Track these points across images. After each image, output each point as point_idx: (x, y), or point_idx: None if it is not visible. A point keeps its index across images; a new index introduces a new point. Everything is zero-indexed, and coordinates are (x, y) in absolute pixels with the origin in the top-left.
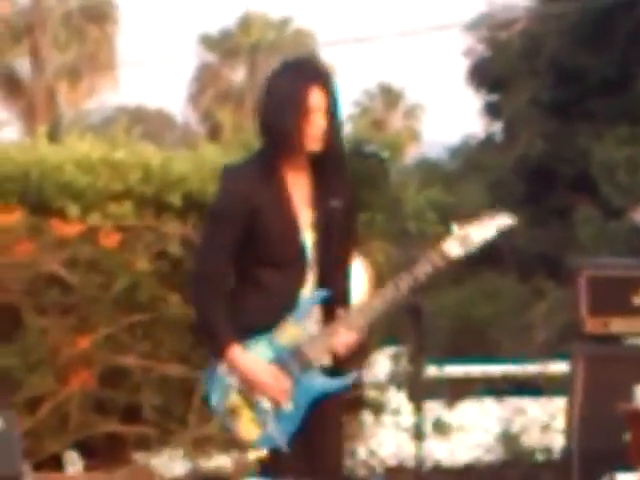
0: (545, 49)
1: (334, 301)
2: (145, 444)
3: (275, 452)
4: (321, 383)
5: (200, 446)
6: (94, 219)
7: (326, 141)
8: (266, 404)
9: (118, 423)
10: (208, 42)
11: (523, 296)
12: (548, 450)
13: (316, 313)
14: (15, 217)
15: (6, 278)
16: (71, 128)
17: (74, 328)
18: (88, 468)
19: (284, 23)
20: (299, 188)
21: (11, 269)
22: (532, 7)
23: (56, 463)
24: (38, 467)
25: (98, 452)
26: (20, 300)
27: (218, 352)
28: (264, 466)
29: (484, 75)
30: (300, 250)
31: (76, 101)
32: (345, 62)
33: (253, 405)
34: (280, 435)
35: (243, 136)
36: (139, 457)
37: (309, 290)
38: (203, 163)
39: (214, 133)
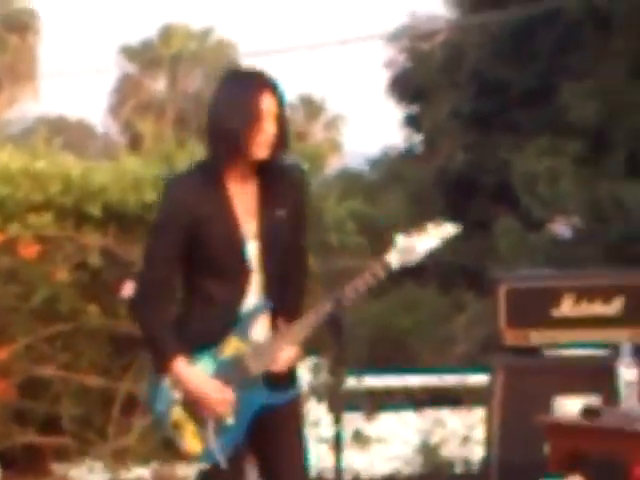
0: (466, 60)
1: (281, 312)
2: (64, 455)
3: (216, 467)
4: (263, 397)
5: (119, 457)
6: (14, 229)
7: (274, 148)
8: (208, 418)
9: (37, 434)
10: (129, 53)
11: (443, 308)
12: (467, 462)
13: (263, 323)
14: None
15: None
16: None
17: None
18: (6, 478)
19: (205, 34)
20: (244, 198)
21: None
22: (453, 19)
23: None
24: None
25: (16, 463)
26: None
27: (162, 366)
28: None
29: (405, 86)
30: (242, 261)
31: None
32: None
33: (196, 419)
34: (220, 450)
35: (164, 146)
36: (58, 468)
37: (253, 301)
38: (123, 173)
39: (135, 143)
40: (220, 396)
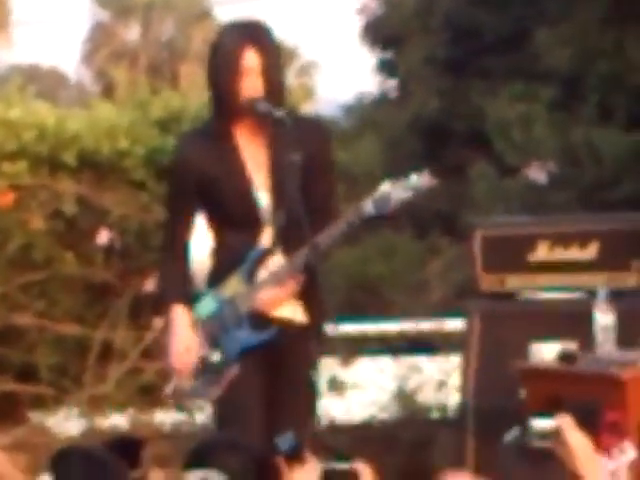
0: (439, 6)
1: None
2: (40, 403)
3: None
4: (245, 336)
5: (96, 405)
6: None
7: (271, 101)
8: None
9: (13, 382)
10: (102, 0)
11: (419, 253)
12: (443, 407)
13: (272, 263)
14: None
15: None
16: None
17: None
18: None
19: None
20: (254, 150)
21: None
22: None
23: None
24: None
25: None
26: None
27: (160, 310)
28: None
29: (378, 32)
30: (253, 212)
31: None
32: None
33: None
34: (203, 386)
35: (137, 94)
36: (34, 416)
37: (261, 246)
38: (97, 121)
39: (108, 91)
40: (183, 356)
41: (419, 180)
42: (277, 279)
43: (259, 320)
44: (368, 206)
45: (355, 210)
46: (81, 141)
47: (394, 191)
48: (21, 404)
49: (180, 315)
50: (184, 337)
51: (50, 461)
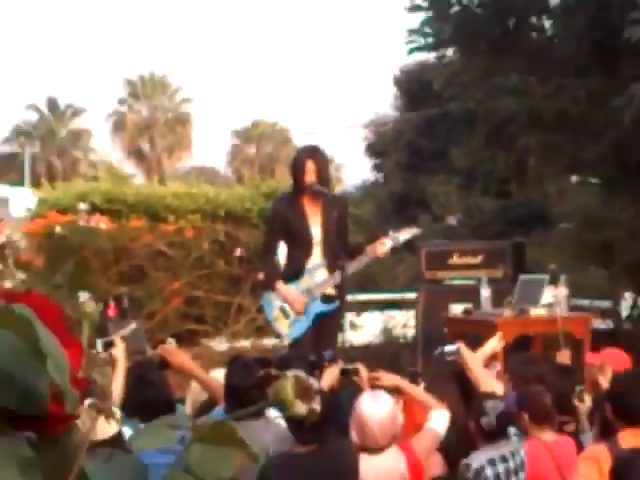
0: (404, 136)
1: (332, 267)
2: (207, 334)
3: (295, 340)
4: (319, 307)
5: (234, 336)
6: (181, 223)
7: (321, 185)
8: (292, 315)
9: (194, 324)
10: (238, 132)
11: (393, 262)
12: (406, 337)
13: (322, 272)
14: (141, 222)
15: (138, 252)
16: (169, 178)
17: (170, 277)
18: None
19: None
20: (312, 209)
21: (140, 247)
22: (396, 115)
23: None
24: (154, 347)
25: (183, 339)
26: (144, 262)
27: (271, 286)
28: (290, 347)
29: (372, 150)
30: (309, 241)
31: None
32: None
33: (286, 315)
34: (296, 332)
35: (254, 181)
36: (204, 341)
37: (317, 260)
38: (235, 195)
39: (239, 180)
40: (298, 301)
41: (411, 231)
42: (327, 282)
43: (324, 298)
44: (383, 248)
45: (373, 252)
46: (227, 204)
47: (400, 236)
48: (197, 335)
49: (284, 286)
50: (294, 291)
51: (227, 362)
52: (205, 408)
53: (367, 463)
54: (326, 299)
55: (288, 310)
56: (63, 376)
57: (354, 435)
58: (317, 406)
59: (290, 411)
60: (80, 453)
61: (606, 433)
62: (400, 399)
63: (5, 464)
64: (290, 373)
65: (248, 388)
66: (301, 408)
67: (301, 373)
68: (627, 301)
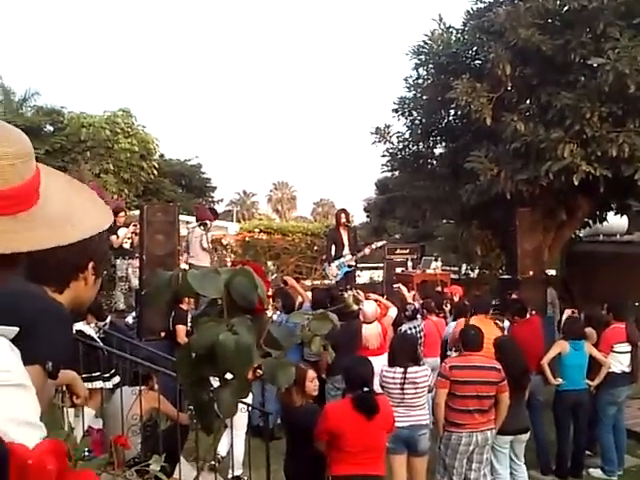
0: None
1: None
2: (304, 279)
3: (337, 282)
4: (346, 269)
5: (312, 280)
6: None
7: (348, 225)
8: (337, 271)
9: (298, 274)
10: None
11: (375, 254)
12: (380, 281)
13: (348, 256)
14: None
15: (277, 247)
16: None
17: (281, 263)
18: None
19: None
20: (344, 233)
21: (278, 246)
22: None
23: None
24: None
25: (296, 279)
26: (280, 251)
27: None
28: (336, 283)
29: (370, 210)
30: (342, 246)
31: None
32: None
33: (338, 269)
34: (338, 278)
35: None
36: (303, 281)
37: (345, 252)
38: (308, 227)
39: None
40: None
41: (382, 242)
42: (350, 260)
43: (348, 266)
44: (372, 249)
45: (364, 250)
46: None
47: (376, 244)
48: (300, 278)
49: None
50: (335, 264)
51: (311, 289)
52: (301, 305)
53: (365, 328)
54: (349, 266)
55: (334, 270)
56: (262, 293)
57: (361, 317)
58: (359, 306)
59: (349, 307)
60: (267, 322)
61: (458, 318)
62: (378, 303)
63: (242, 326)
64: (348, 293)
65: (322, 299)
66: (354, 306)
67: (352, 292)
68: (463, 268)
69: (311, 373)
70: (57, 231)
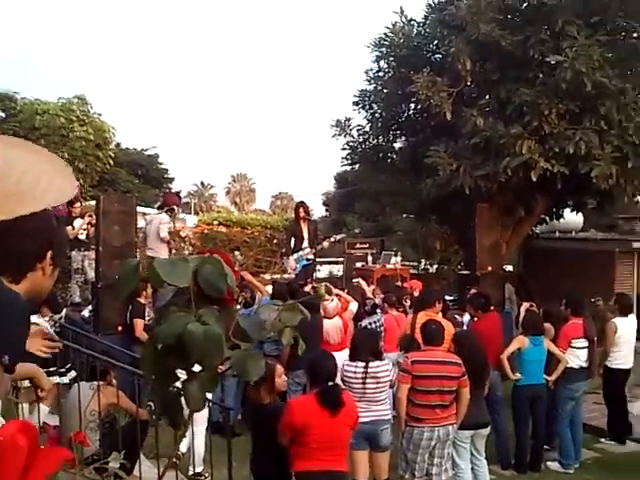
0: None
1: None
2: (263, 272)
3: (297, 274)
4: (304, 263)
5: (272, 274)
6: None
7: (308, 217)
8: (295, 264)
9: (257, 268)
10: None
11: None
12: (339, 274)
13: (307, 249)
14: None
15: (236, 240)
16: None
17: (249, 249)
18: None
19: None
20: (304, 226)
21: (237, 239)
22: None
23: None
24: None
25: (253, 273)
26: (239, 244)
27: (286, 255)
28: (295, 276)
29: (330, 204)
30: (302, 239)
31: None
32: None
33: (296, 262)
34: (297, 271)
35: (281, 214)
36: (262, 275)
37: (304, 245)
38: (268, 219)
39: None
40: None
41: (341, 235)
42: (308, 254)
43: (306, 260)
44: (330, 242)
45: (326, 243)
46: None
47: (338, 237)
48: (258, 272)
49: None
50: (294, 257)
51: (272, 282)
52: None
53: (326, 323)
54: (307, 260)
55: (293, 263)
56: (232, 282)
57: (322, 312)
58: (331, 296)
59: (322, 297)
60: (235, 314)
61: (416, 312)
62: (339, 297)
63: (210, 317)
64: (322, 284)
65: (282, 292)
66: (326, 296)
67: (324, 284)
68: (422, 264)
69: (279, 368)
70: (17, 201)
